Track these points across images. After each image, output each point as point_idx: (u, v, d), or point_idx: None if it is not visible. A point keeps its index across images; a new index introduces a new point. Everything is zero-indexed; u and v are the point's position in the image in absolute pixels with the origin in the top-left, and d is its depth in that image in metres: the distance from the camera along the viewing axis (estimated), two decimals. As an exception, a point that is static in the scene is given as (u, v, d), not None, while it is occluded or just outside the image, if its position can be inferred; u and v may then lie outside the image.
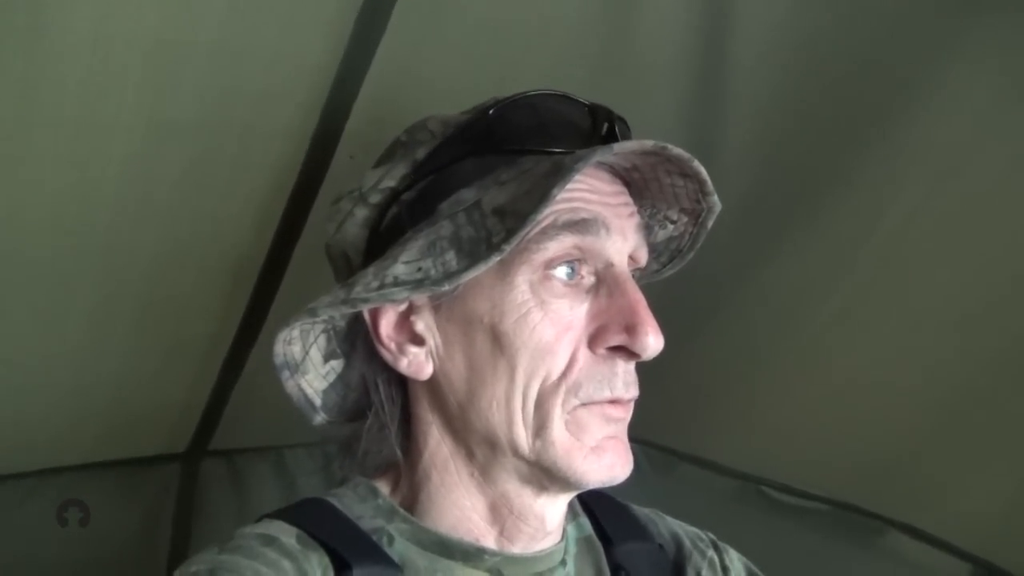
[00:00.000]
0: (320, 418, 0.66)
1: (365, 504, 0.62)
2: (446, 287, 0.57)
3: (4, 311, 0.94)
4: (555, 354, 0.58)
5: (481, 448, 0.61)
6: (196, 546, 1.44)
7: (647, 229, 0.67)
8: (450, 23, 0.82)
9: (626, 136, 0.62)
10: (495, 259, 0.56)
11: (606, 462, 0.59)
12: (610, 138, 0.61)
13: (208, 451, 1.44)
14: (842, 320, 1.08)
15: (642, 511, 0.75)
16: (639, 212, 0.64)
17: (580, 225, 0.58)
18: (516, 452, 0.59)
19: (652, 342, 0.57)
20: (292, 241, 1.00)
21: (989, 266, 0.93)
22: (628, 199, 0.62)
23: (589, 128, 0.61)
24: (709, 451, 1.46)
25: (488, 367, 0.59)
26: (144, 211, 0.89)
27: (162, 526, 1.45)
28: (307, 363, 0.64)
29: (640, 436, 1.51)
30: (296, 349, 0.63)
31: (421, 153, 0.63)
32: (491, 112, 0.61)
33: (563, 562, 0.64)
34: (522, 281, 0.58)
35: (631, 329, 0.58)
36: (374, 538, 0.60)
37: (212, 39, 0.75)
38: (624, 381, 0.60)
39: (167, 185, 0.87)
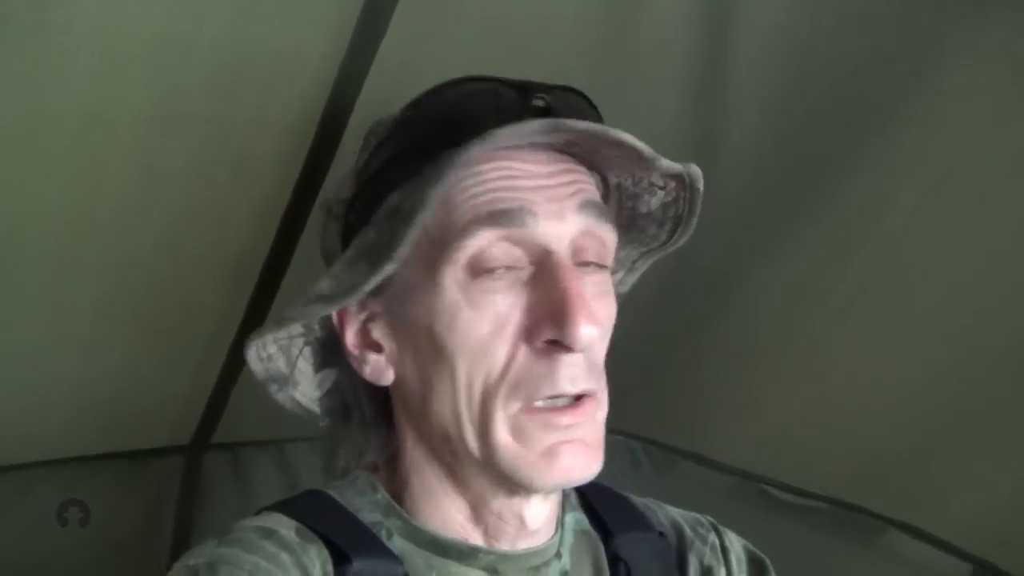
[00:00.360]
0: (326, 422, 0.67)
1: (364, 498, 0.62)
2: (351, 299, 0.56)
3: (7, 303, 0.94)
4: (492, 353, 0.55)
5: (445, 451, 0.60)
6: (199, 538, 1.43)
7: (635, 198, 0.64)
8: (453, 19, 0.82)
9: (568, 108, 0.57)
10: (388, 267, 0.54)
11: (560, 466, 0.55)
12: (543, 116, 0.55)
13: (211, 444, 1.44)
14: (843, 318, 1.08)
15: (640, 501, 0.74)
16: (622, 181, 0.61)
17: (501, 216, 0.54)
18: (468, 456, 0.58)
19: (582, 333, 0.53)
20: (295, 235, 1.00)
21: (990, 265, 0.93)
22: (573, 176, 0.57)
23: (517, 109, 0.56)
24: (710, 449, 1.46)
25: (433, 371, 0.57)
26: (148, 204, 0.89)
27: (165, 518, 1.45)
28: (296, 375, 0.64)
29: (640, 433, 1.52)
30: (280, 364, 0.63)
31: (361, 160, 0.62)
32: (408, 112, 0.59)
33: (558, 555, 0.64)
34: (450, 282, 0.55)
35: (558, 320, 0.53)
36: (373, 531, 0.60)
37: (216, 33, 0.75)
38: (569, 376, 0.55)
39: (171, 178, 0.87)
